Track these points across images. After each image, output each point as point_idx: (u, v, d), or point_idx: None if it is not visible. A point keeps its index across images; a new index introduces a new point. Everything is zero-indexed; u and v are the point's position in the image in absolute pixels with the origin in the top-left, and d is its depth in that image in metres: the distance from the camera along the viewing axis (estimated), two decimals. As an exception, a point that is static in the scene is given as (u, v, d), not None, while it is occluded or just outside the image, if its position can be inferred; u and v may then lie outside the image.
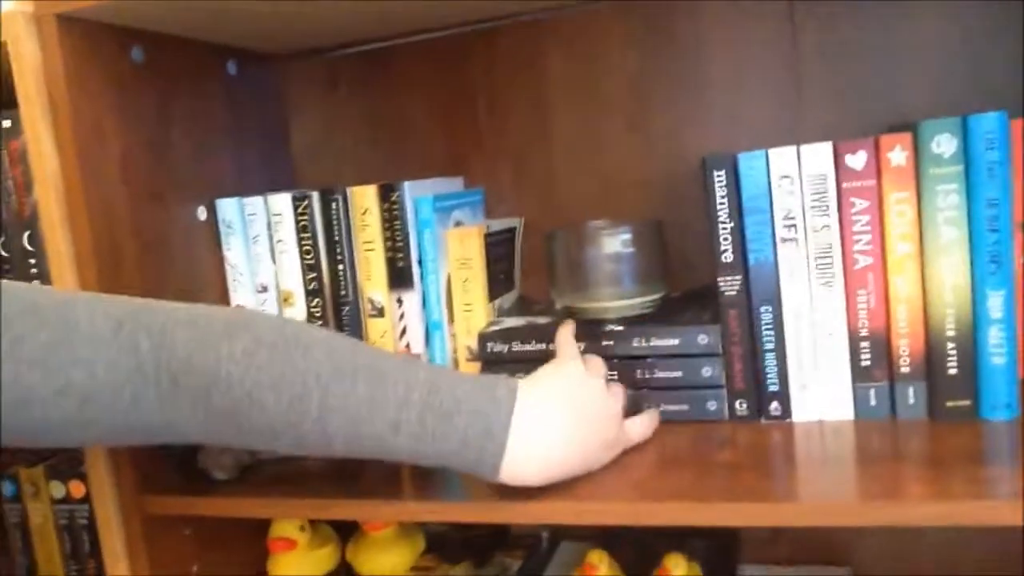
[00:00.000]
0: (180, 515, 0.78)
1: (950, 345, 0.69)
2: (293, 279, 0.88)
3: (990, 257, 0.66)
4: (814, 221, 0.71)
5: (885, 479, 0.61)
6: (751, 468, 0.66)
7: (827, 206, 0.70)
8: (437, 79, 1.01)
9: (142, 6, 0.74)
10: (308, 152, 1.07)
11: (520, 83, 0.98)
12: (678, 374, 0.77)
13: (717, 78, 0.92)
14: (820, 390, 0.73)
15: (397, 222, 0.84)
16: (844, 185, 0.70)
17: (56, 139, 0.74)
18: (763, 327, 0.74)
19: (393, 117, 1.03)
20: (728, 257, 0.73)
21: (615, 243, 0.80)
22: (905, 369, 0.71)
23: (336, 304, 0.87)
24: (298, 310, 0.88)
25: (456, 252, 0.86)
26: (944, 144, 0.66)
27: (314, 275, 0.87)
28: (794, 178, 0.71)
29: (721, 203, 0.73)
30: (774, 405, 0.75)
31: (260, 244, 0.89)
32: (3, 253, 0.78)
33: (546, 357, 0.79)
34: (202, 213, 0.88)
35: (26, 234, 0.77)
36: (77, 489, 0.80)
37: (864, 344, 0.72)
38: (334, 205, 0.86)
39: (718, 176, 0.72)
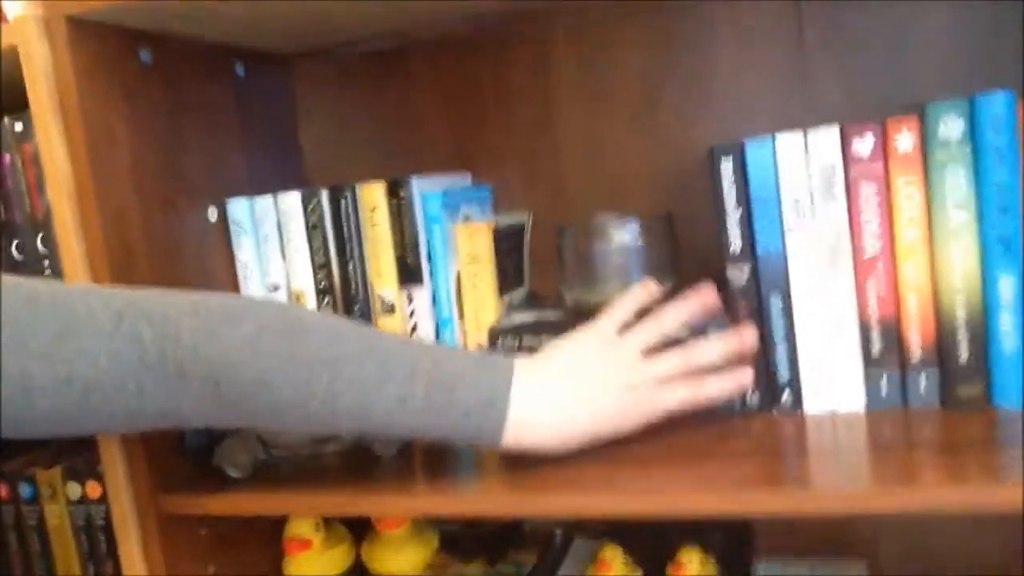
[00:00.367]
0: (196, 515, 0.79)
1: (961, 331, 0.69)
2: (304, 278, 0.88)
3: (999, 240, 0.66)
4: (822, 208, 0.71)
5: (898, 467, 0.60)
6: (763, 458, 0.66)
7: (835, 192, 0.70)
8: (445, 77, 1.01)
9: (151, 7, 0.75)
10: (318, 151, 1.08)
11: (528, 79, 0.98)
12: (688, 366, 0.76)
13: (724, 69, 0.91)
14: (831, 379, 0.73)
15: (406, 219, 0.85)
16: (852, 170, 0.69)
17: (68, 141, 0.74)
18: (773, 316, 0.73)
19: (402, 115, 1.04)
20: (736, 247, 0.73)
21: (624, 237, 0.80)
22: (916, 357, 0.70)
23: (347, 302, 0.87)
24: (309, 308, 0.88)
25: (465, 248, 0.86)
26: (951, 126, 0.66)
27: (324, 273, 0.88)
28: (801, 164, 0.70)
29: (728, 191, 0.72)
30: (785, 395, 0.74)
31: (270, 243, 0.89)
32: (17, 256, 0.78)
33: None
34: (213, 214, 0.89)
35: (39, 236, 0.77)
36: (94, 490, 0.81)
37: (874, 332, 0.71)
38: (343, 203, 0.86)
39: (725, 164, 0.72)
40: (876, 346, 0.71)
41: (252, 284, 0.90)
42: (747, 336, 0.70)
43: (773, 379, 0.74)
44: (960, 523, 0.91)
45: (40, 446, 0.91)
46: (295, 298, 0.89)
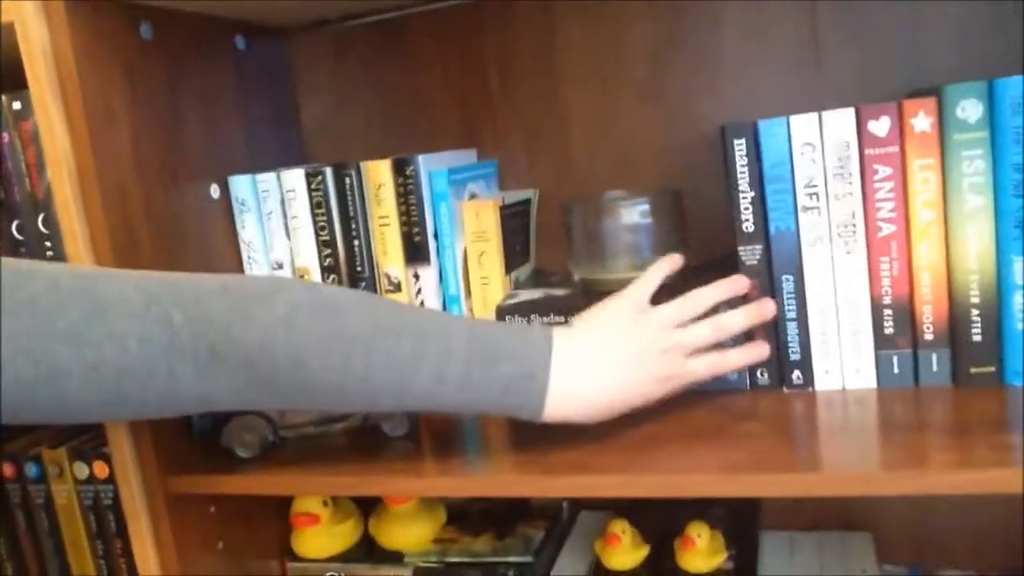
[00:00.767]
0: (204, 494, 0.79)
1: (974, 312, 0.69)
2: (308, 255, 0.87)
3: (1015, 223, 0.66)
4: (836, 189, 0.70)
5: (909, 447, 0.61)
6: (774, 438, 0.66)
7: (850, 173, 0.69)
8: (449, 50, 1.00)
9: (150, -19, 0.73)
10: (318, 126, 1.06)
11: (533, 53, 0.97)
12: (699, 344, 0.76)
13: (734, 44, 0.90)
14: (842, 358, 0.73)
15: (412, 196, 0.84)
16: (867, 152, 0.69)
17: (67, 119, 0.73)
18: (784, 296, 0.73)
19: (404, 89, 1.02)
20: (748, 226, 0.73)
21: (633, 214, 0.79)
22: (929, 336, 0.70)
23: (352, 280, 0.87)
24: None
25: (472, 225, 0.85)
26: (969, 109, 0.65)
27: (329, 251, 0.87)
28: (816, 145, 0.70)
29: (741, 172, 0.72)
30: (796, 374, 0.74)
31: (274, 221, 0.88)
32: (18, 236, 0.77)
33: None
34: (215, 191, 0.88)
35: (40, 216, 0.76)
36: (101, 469, 0.81)
37: (887, 312, 0.71)
38: (348, 180, 0.85)
39: (738, 144, 0.71)
40: (888, 325, 0.71)
41: (256, 262, 0.89)
42: (767, 308, 0.71)
43: (784, 357, 0.75)
44: (964, 495, 0.92)
45: (44, 426, 0.91)
46: (300, 275, 0.88)
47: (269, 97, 1.00)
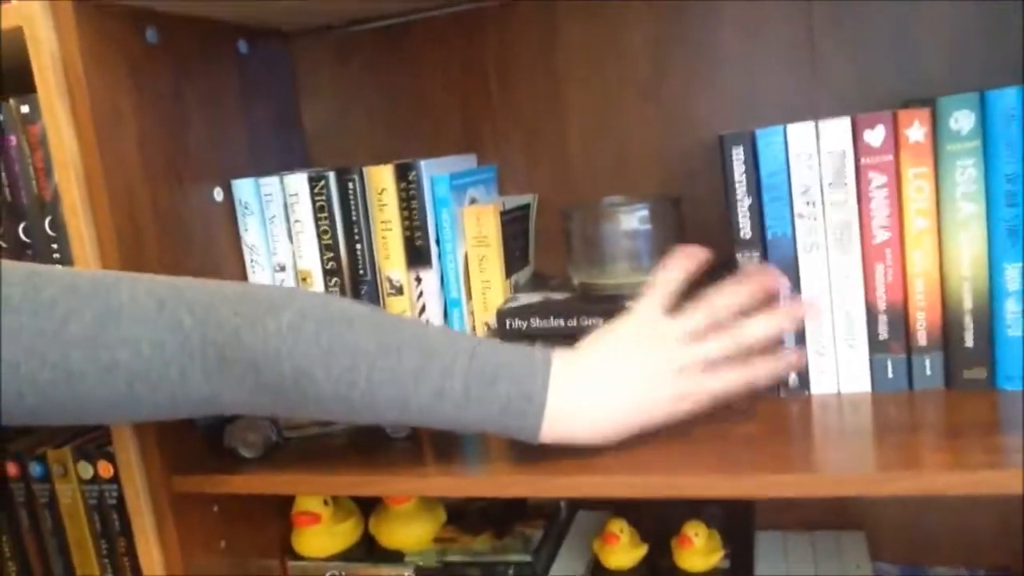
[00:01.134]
0: (207, 493, 0.80)
1: (967, 317, 0.70)
2: (311, 259, 0.88)
3: (1007, 231, 0.67)
4: (832, 196, 0.71)
5: (903, 449, 0.62)
6: (770, 440, 0.67)
7: (845, 182, 0.71)
8: (450, 54, 1.01)
9: (157, -14, 0.74)
10: (320, 129, 1.07)
11: (533, 59, 0.98)
12: (696, 348, 0.77)
13: (733, 52, 0.91)
14: (838, 363, 0.74)
15: (414, 201, 0.85)
16: (862, 160, 0.70)
17: (75, 122, 0.73)
18: (781, 301, 0.74)
19: (405, 93, 1.03)
20: (746, 232, 0.74)
21: (632, 220, 0.81)
22: (922, 341, 0.72)
23: (354, 283, 0.88)
24: (316, 290, 0.89)
25: (473, 230, 0.86)
26: (962, 120, 0.67)
27: (332, 255, 0.88)
28: (813, 154, 0.71)
29: (739, 180, 0.73)
30: (792, 378, 0.76)
31: (277, 224, 0.89)
32: (25, 238, 0.78)
33: (564, 332, 0.80)
34: (219, 194, 0.89)
35: (48, 219, 0.77)
36: (105, 469, 0.82)
37: (882, 317, 0.72)
38: (351, 185, 0.86)
39: (736, 153, 0.73)
40: (883, 330, 0.73)
41: (259, 265, 0.90)
42: (799, 312, 0.69)
43: (780, 362, 0.76)
44: (958, 496, 0.93)
45: (48, 426, 0.91)
46: (302, 279, 0.89)
47: (272, 101, 1.01)
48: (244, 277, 0.91)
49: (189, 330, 0.58)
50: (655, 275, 0.70)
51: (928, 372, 0.72)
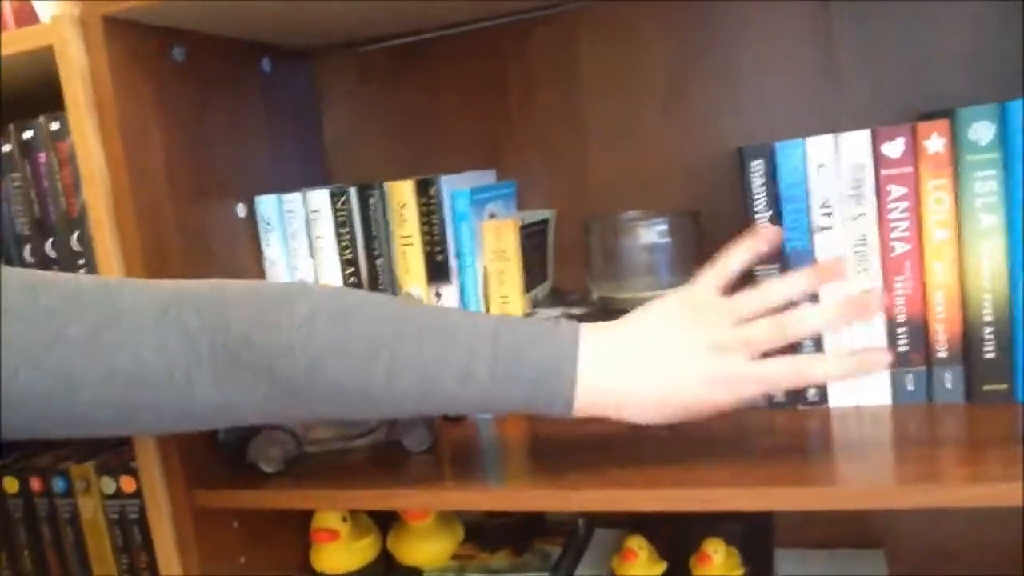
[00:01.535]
0: (228, 508, 0.80)
1: (987, 330, 0.70)
2: (332, 274, 0.89)
3: (1028, 243, 0.68)
4: (851, 209, 0.72)
5: (923, 463, 0.62)
6: (789, 453, 0.67)
7: (864, 194, 0.71)
8: (469, 71, 1.02)
9: (184, 6, 0.75)
10: (341, 146, 1.08)
11: (553, 74, 0.99)
12: (716, 362, 0.78)
13: (752, 66, 0.92)
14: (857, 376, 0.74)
15: (435, 216, 0.85)
16: (882, 173, 0.71)
17: (103, 139, 0.75)
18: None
19: (425, 110, 1.04)
20: (765, 246, 0.74)
21: (651, 234, 0.81)
22: (942, 354, 0.72)
23: (375, 298, 0.88)
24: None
25: (492, 245, 0.87)
26: (981, 131, 0.67)
27: (352, 270, 0.88)
28: (831, 166, 0.72)
29: (758, 192, 0.74)
30: (811, 391, 0.76)
31: (299, 240, 0.90)
32: (52, 254, 0.79)
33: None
34: (241, 210, 0.90)
35: (75, 234, 0.78)
36: (128, 484, 0.82)
37: (901, 329, 0.73)
38: (372, 200, 0.87)
39: (755, 165, 0.73)
40: (903, 343, 0.73)
41: (280, 280, 0.91)
42: (874, 304, 0.61)
43: (800, 375, 0.76)
44: (977, 512, 0.93)
45: (72, 441, 0.92)
46: (323, 294, 0.90)
47: (294, 118, 1.02)
48: (265, 293, 0.91)
49: (195, 333, 0.56)
50: (720, 256, 0.64)
51: (948, 385, 0.72)
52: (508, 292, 0.87)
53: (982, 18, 0.85)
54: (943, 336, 0.72)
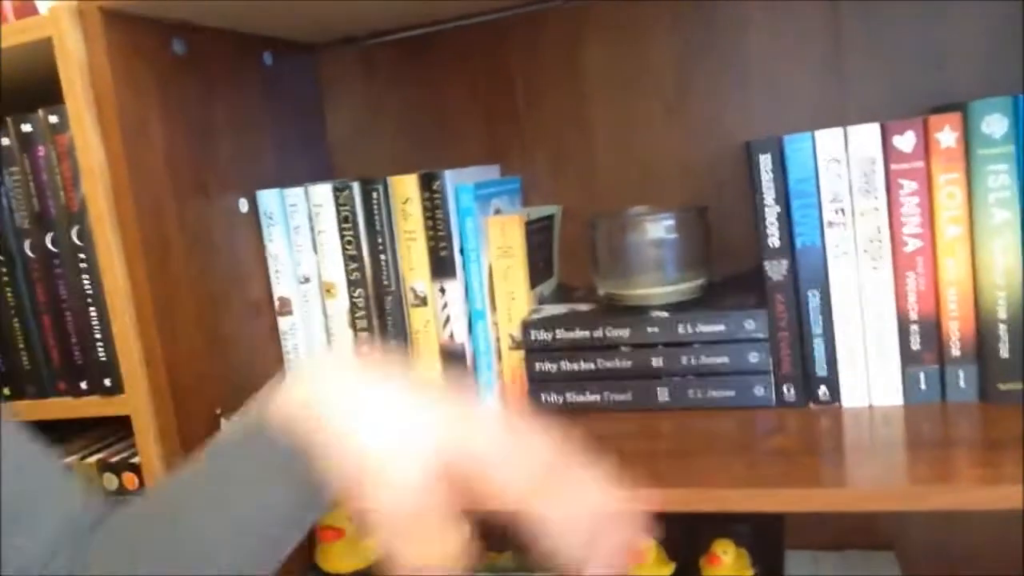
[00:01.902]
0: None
1: (1002, 327, 0.68)
2: (335, 270, 0.88)
3: (1043, 238, 0.66)
4: (862, 204, 0.70)
5: (936, 463, 0.61)
6: (800, 454, 0.66)
7: (875, 188, 0.70)
8: (475, 66, 1.01)
9: (184, -1, 0.74)
10: (345, 141, 1.07)
11: (559, 69, 0.98)
12: (724, 360, 0.77)
13: (759, 59, 0.91)
14: (869, 374, 0.73)
15: (439, 211, 0.84)
16: (892, 167, 0.69)
17: (102, 133, 0.74)
18: (810, 311, 0.73)
19: (430, 105, 1.03)
20: (775, 241, 0.73)
21: (658, 229, 0.80)
22: (956, 352, 0.70)
23: (378, 294, 0.87)
24: (340, 300, 0.89)
25: (497, 240, 0.86)
26: (994, 124, 0.66)
27: (356, 265, 0.87)
28: (842, 160, 0.70)
29: (767, 187, 0.72)
30: (822, 390, 0.74)
31: (301, 235, 0.89)
32: (53, 248, 0.78)
33: (588, 344, 0.79)
34: (244, 204, 0.89)
35: (75, 229, 0.77)
36: (130, 481, 0.81)
37: (914, 327, 0.71)
38: (375, 195, 0.86)
39: (764, 160, 0.72)
40: (915, 341, 0.71)
41: (283, 276, 0.90)
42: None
43: (810, 374, 0.74)
44: (989, 514, 0.91)
45: (76, 436, 0.92)
46: (326, 290, 0.89)
47: (297, 113, 1.01)
48: (269, 287, 0.91)
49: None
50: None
51: (962, 384, 0.71)
52: (513, 288, 0.86)
53: (993, 10, 0.83)
54: (956, 334, 0.70)
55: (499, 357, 0.87)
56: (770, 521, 0.94)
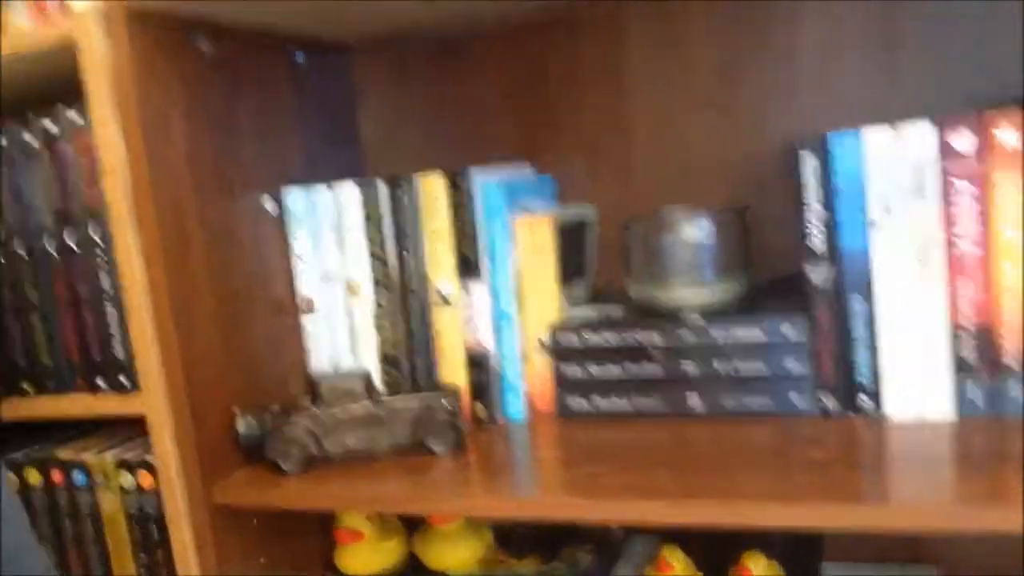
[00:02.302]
0: (248, 506, 0.78)
1: (1061, 338, 0.65)
2: (360, 269, 0.86)
3: (1109, 244, 0.62)
4: (912, 205, 0.67)
5: (985, 481, 0.57)
6: (838, 466, 0.63)
7: (926, 189, 0.66)
8: (509, 64, 0.99)
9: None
10: (377, 141, 1.05)
11: (597, 69, 0.96)
12: (760, 366, 0.73)
13: (806, 53, 0.88)
14: (917, 385, 0.69)
15: (466, 210, 0.82)
16: (946, 166, 0.65)
17: (124, 131, 0.73)
18: (854, 318, 0.70)
19: (464, 106, 1.01)
20: (817, 244, 0.70)
21: (695, 231, 0.77)
22: (1010, 363, 0.67)
23: (403, 294, 0.85)
24: (365, 300, 0.87)
25: (526, 241, 0.83)
26: (1058, 122, 0.62)
27: (381, 264, 0.85)
28: (891, 159, 0.66)
29: (811, 188, 0.69)
30: (864, 400, 0.71)
31: (327, 234, 0.87)
32: (73, 246, 0.77)
33: (618, 349, 0.77)
34: (269, 203, 0.87)
35: (96, 226, 0.76)
36: (146, 479, 0.80)
37: (966, 336, 0.67)
38: (401, 194, 0.84)
39: (808, 159, 0.68)
40: (967, 351, 0.67)
41: (308, 274, 0.88)
42: None
43: (852, 382, 0.71)
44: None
45: (91, 434, 0.91)
46: (350, 289, 0.87)
47: (328, 113, 0.99)
48: (292, 286, 0.89)
49: None
50: None
51: (1016, 397, 0.67)
52: (542, 290, 0.83)
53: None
54: (1012, 344, 0.66)
55: (526, 360, 0.84)
56: (807, 531, 0.91)
